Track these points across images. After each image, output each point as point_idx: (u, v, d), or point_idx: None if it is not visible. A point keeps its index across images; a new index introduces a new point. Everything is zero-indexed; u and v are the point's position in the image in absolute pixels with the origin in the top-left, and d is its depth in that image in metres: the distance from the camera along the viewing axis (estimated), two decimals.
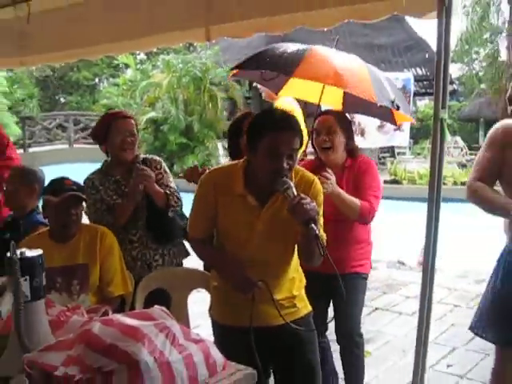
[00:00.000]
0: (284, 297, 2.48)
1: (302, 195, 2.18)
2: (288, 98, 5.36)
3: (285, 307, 2.48)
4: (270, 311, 2.42)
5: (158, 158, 3.49)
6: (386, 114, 3.76)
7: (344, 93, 3.89)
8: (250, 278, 2.34)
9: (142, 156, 3.47)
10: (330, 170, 3.02)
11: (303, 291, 2.60)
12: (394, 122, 3.88)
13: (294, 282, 2.53)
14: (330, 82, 3.39)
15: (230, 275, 2.41)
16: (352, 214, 3.07)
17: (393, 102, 3.40)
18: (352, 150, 3.25)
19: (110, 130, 3.29)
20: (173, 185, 3.38)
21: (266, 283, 2.33)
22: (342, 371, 3.47)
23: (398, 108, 3.42)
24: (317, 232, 2.11)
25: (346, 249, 3.22)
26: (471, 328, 2.86)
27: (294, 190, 2.20)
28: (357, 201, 3.06)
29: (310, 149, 3.59)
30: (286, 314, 2.46)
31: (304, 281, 2.62)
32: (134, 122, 3.38)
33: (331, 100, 3.98)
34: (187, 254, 3.56)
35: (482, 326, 2.81)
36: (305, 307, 2.59)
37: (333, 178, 3.00)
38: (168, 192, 3.31)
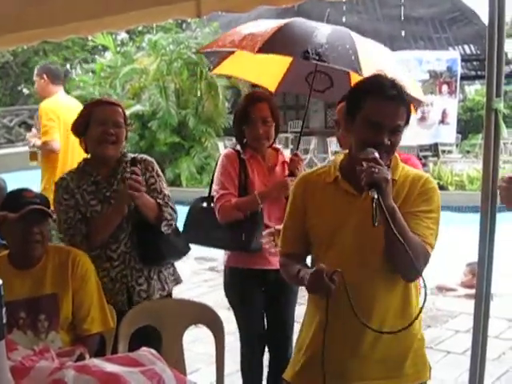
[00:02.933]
0: (383, 350, 2.32)
1: (380, 161, 2.14)
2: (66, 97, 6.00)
3: (384, 367, 2.33)
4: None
5: (149, 158, 3.48)
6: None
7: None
8: (325, 269, 2.16)
9: (131, 155, 3.47)
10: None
11: (422, 351, 2.42)
12: None
13: (408, 332, 2.27)
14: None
15: (310, 279, 2.22)
16: None
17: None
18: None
19: (90, 121, 3.29)
20: (167, 192, 3.38)
21: (341, 274, 2.16)
22: None
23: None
24: (375, 196, 2.06)
25: None
26: None
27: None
28: None
29: None
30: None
31: (424, 338, 2.45)
32: (122, 110, 3.36)
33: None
34: (178, 281, 3.56)
35: None
36: (419, 375, 2.40)
37: None
38: (161, 202, 3.31)
